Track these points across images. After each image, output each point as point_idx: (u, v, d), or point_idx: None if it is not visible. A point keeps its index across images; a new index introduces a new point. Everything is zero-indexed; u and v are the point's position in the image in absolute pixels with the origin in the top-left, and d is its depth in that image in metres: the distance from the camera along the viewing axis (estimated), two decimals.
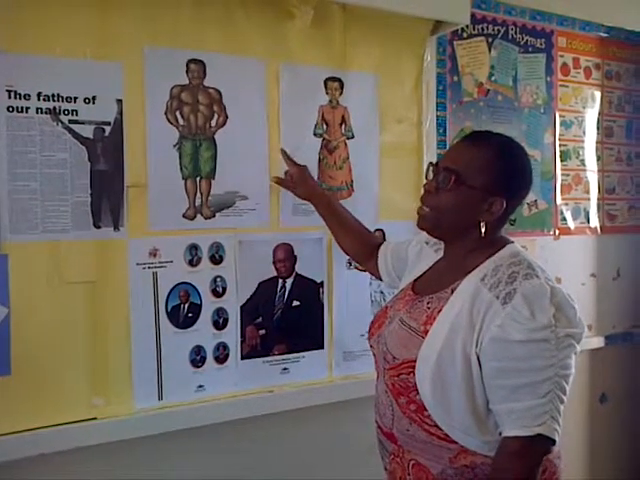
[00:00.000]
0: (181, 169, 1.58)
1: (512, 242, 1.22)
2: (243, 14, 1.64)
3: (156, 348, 1.56)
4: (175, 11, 1.55)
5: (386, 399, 1.22)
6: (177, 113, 1.57)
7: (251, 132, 1.68)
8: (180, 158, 1.58)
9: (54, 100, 1.42)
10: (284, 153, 1.69)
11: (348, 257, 1.76)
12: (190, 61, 1.58)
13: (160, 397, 1.57)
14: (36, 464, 1.43)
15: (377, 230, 1.88)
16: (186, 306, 1.60)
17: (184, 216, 1.59)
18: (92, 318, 1.48)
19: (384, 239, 1.87)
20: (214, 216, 1.63)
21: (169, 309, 1.58)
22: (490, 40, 2.17)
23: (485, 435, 1.11)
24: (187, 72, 1.58)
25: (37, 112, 1.40)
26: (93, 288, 1.48)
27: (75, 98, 1.44)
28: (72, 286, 1.45)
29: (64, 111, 1.43)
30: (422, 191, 1.23)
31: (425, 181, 1.23)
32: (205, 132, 1.61)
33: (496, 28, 2.18)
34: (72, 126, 1.44)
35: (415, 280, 1.31)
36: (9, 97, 1.37)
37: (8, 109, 1.37)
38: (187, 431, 1.59)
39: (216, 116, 1.62)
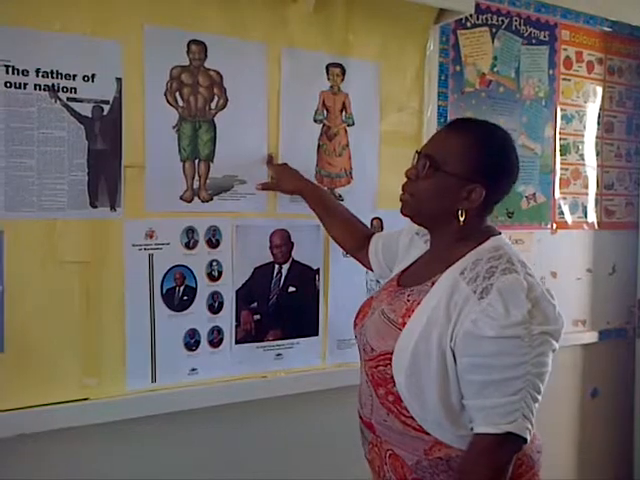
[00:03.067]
0: (180, 151, 1.57)
1: (498, 234, 1.19)
2: None
3: (150, 330, 1.55)
4: None
5: (367, 389, 1.22)
6: (177, 94, 1.55)
7: (251, 116, 1.66)
8: (179, 140, 1.57)
9: (53, 77, 1.40)
10: (269, 158, 1.68)
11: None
12: (191, 42, 1.56)
13: (153, 379, 1.57)
14: (27, 443, 1.43)
15: (375, 219, 1.88)
16: (181, 289, 1.60)
17: (181, 198, 1.58)
18: (87, 298, 1.47)
19: (382, 228, 1.87)
20: (212, 199, 1.62)
21: (164, 291, 1.57)
22: (494, 31, 2.16)
23: (459, 429, 1.10)
24: (188, 53, 1.56)
25: (35, 88, 1.38)
26: (88, 268, 1.47)
27: (74, 75, 1.42)
28: (67, 265, 1.44)
29: (63, 88, 1.41)
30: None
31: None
32: (205, 114, 1.60)
33: (500, 19, 2.17)
34: (70, 104, 1.42)
35: (402, 272, 1.31)
36: (7, 72, 1.35)
37: (6, 84, 1.36)
38: (179, 414, 1.59)
39: (216, 98, 1.61)
